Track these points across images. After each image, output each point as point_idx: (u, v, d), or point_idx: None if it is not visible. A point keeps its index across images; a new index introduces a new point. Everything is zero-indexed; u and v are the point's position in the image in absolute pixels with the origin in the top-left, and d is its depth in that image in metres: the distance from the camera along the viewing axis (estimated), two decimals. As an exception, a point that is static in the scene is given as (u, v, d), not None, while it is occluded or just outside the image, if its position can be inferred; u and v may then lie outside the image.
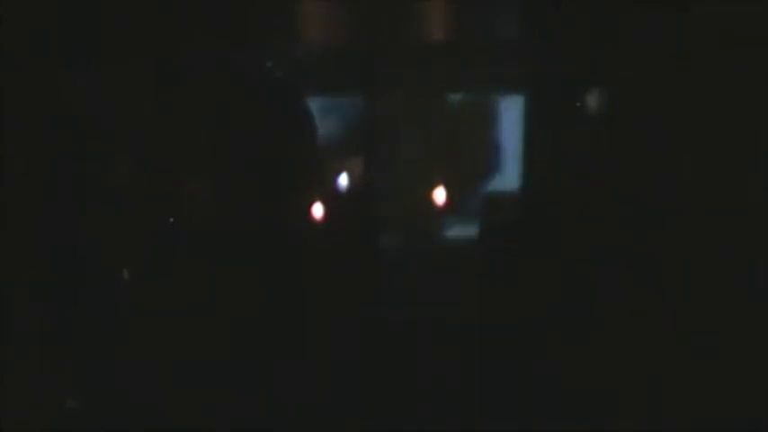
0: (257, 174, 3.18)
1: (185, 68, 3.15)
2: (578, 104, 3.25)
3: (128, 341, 3.00)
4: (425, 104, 3.50)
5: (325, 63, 3.39)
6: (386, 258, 3.29)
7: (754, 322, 2.92)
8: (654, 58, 3.10)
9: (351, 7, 3.34)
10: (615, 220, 3.12)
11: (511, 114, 3.46)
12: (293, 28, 3.37)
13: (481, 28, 3.41)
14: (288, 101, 3.31)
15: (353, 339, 3.12)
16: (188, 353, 2.99)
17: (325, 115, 3.38)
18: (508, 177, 3.45)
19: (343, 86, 3.40)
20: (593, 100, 3.25)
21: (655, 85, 3.12)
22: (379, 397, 3.09)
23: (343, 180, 3.30)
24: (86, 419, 2.93)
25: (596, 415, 2.93)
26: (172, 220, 3.13)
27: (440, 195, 3.27)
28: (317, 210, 3.13)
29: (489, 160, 3.49)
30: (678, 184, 3.09)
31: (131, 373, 2.98)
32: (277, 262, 3.09)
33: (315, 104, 3.35)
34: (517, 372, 3.09)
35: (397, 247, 3.37)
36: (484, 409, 3.03)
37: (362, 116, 3.38)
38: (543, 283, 3.12)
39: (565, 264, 3.12)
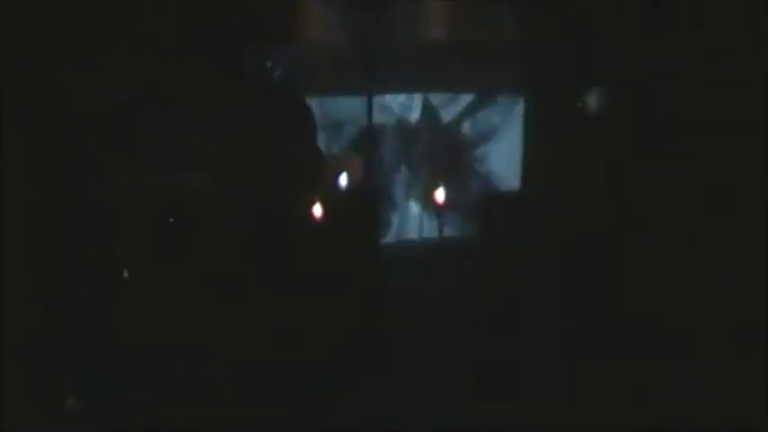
0: (257, 174, 3.18)
1: (185, 68, 3.15)
2: (578, 104, 3.25)
3: (128, 341, 3.01)
4: (425, 104, 3.50)
5: (325, 63, 3.39)
6: (386, 258, 3.29)
7: (754, 322, 2.93)
8: (653, 58, 3.11)
9: (351, 7, 3.34)
10: (614, 220, 3.13)
11: (511, 114, 3.47)
12: (293, 28, 3.38)
13: (481, 28, 3.42)
14: (288, 101, 3.31)
15: (353, 338, 3.13)
16: (188, 352, 3.00)
17: (325, 115, 3.39)
18: (508, 177, 3.45)
19: (344, 86, 3.41)
20: (593, 100, 3.25)
21: (654, 84, 3.13)
22: (378, 396, 3.10)
23: (343, 180, 3.31)
24: (86, 419, 2.93)
25: (596, 415, 2.94)
26: (171, 219, 3.13)
27: (440, 195, 3.27)
28: (317, 210, 3.14)
29: (489, 160, 3.50)
30: (677, 183, 3.10)
31: (131, 373, 2.99)
32: (277, 261, 3.09)
33: (315, 104, 3.35)
34: (516, 371, 3.09)
35: (397, 247, 3.38)
36: (484, 409, 3.04)
37: (362, 116, 3.39)
38: (543, 282, 3.12)
39: (564, 263, 3.13)
